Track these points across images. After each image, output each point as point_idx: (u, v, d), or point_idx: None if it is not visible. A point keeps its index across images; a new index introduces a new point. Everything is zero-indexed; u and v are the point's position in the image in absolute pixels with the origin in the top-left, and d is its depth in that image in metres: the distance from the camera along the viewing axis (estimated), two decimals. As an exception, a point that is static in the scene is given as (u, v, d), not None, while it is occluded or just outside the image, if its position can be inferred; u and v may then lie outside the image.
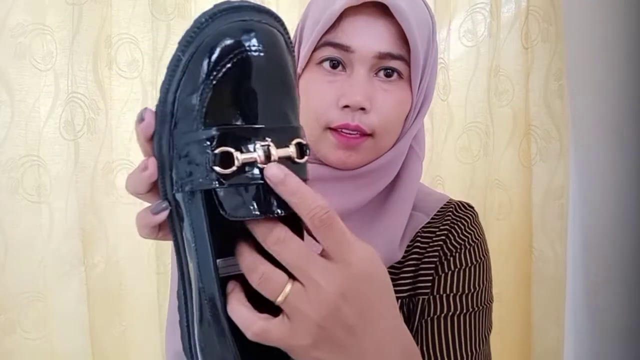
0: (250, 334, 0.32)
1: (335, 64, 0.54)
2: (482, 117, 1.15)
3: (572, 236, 1.18)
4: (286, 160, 0.32)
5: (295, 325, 0.32)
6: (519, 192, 1.18)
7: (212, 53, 0.31)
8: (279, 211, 0.32)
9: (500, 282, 1.18)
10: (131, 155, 1.03)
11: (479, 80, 1.15)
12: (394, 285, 0.58)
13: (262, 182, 0.31)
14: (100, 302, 1.01)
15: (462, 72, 1.16)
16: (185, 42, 0.32)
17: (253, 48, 0.31)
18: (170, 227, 0.35)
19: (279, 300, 0.32)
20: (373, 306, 0.34)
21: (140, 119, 0.33)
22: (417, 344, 0.55)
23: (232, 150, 0.30)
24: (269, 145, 0.31)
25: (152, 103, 1.05)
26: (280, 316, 0.33)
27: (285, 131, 0.32)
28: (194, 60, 0.31)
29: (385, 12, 0.52)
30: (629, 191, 1.07)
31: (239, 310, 0.33)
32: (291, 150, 0.32)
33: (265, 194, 0.31)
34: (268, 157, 0.31)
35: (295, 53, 0.56)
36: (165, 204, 0.33)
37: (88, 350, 0.99)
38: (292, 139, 0.32)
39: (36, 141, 0.97)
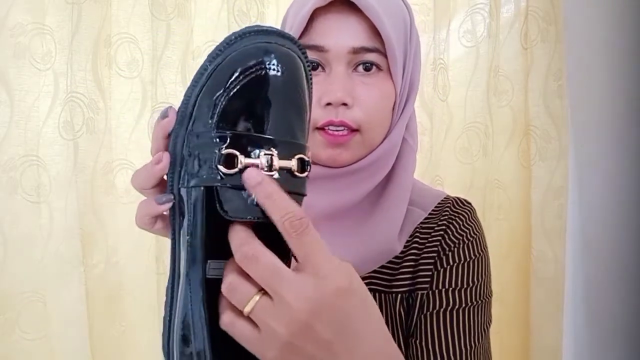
0: (221, 323, 0.34)
1: (314, 65, 0.55)
2: (481, 117, 1.16)
3: (572, 236, 1.18)
4: (286, 173, 0.34)
5: (263, 336, 0.32)
6: (519, 192, 1.18)
7: (234, 66, 0.34)
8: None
9: (499, 282, 1.18)
10: (130, 155, 1.03)
11: (478, 81, 1.15)
12: (394, 280, 0.59)
13: None
14: (99, 302, 1.01)
15: (461, 72, 1.16)
16: (214, 55, 0.35)
17: (271, 67, 0.34)
18: (171, 222, 0.37)
19: (246, 310, 0.32)
20: (352, 320, 0.34)
21: (164, 115, 0.35)
22: (416, 338, 0.56)
23: (237, 153, 0.33)
24: (272, 155, 0.33)
25: (152, 103, 1.06)
26: (252, 325, 0.33)
27: (290, 145, 0.35)
28: (218, 71, 0.34)
29: (355, 8, 0.53)
30: (628, 191, 1.07)
31: (222, 299, 0.34)
32: (292, 164, 0.34)
33: None
34: (270, 166, 0.33)
35: None
36: (170, 196, 0.36)
37: (87, 350, 0.99)
38: (296, 154, 0.35)
39: (35, 141, 0.96)
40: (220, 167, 0.33)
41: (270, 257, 0.32)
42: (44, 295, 0.98)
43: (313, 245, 0.33)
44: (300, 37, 0.55)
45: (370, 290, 0.59)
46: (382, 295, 0.59)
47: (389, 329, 0.58)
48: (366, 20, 0.54)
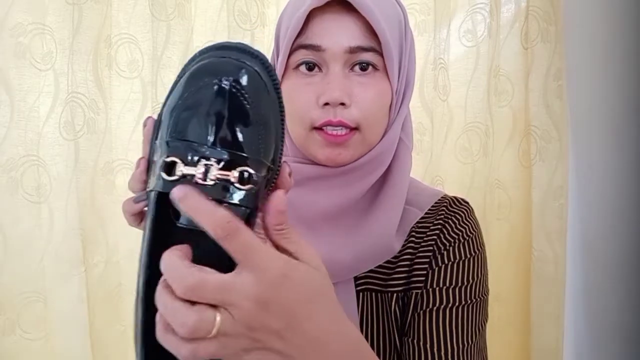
0: (181, 357, 0.32)
1: (311, 66, 0.56)
2: (481, 117, 1.16)
3: (572, 236, 1.18)
4: (227, 183, 0.34)
5: (225, 341, 0.33)
6: (519, 192, 1.18)
7: (191, 79, 0.37)
8: None
9: (499, 282, 1.18)
10: (130, 155, 1.03)
11: (478, 81, 1.15)
12: (390, 280, 0.59)
13: None
14: (100, 302, 1.01)
15: (462, 72, 1.16)
16: (182, 69, 0.38)
17: (224, 80, 0.35)
18: None
19: (213, 333, 0.32)
20: (297, 306, 0.35)
21: (144, 125, 0.39)
22: (410, 336, 0.56)
23: (178, 160, 0.34)
24: (211, 165, 0.34)
25: (152, 103, 1.06)
26: (209, 339, 0.32)
27: (234, 158, 0.35)
28: (180, 83, 0.37)
29: (351, 8, 0.54)
30: (628, 191, 1.07)
31: (168, 338, 0.32)
32: (233, 175, 0.34)
33: None
34: (206, 174, 0.34)
35: (276, 63, 0.59)
36: (145, 196, 0.38)
37: (88, 350, 0.99)
38: (238, 166, 0.35)
39: (36, 141, 0.97)
40: (163, 174, 0.34)
41: (211, 278, 0.32)
42: (44, 295, 0.98)
43: (247, 244, 0.33)
44: (296, 37, 0.55)
45: (366, 290, 0.60)
46: (378, 294, 0.59)
47: (384, 328, 0.58)
48: (362, 20, 0.54)
